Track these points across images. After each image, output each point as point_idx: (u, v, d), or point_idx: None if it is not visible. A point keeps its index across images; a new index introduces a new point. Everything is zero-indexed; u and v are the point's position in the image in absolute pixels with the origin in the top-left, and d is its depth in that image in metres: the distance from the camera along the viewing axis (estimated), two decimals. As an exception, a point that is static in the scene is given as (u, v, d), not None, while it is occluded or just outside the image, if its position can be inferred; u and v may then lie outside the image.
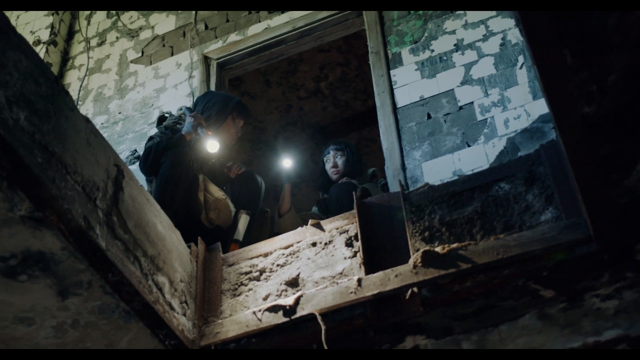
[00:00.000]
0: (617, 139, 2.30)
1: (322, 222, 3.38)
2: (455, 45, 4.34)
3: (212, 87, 5.08)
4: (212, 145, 4.07)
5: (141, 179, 4.02)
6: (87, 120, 2.70)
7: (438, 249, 2.91)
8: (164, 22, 5.80)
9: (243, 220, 3.96)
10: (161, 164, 3.92)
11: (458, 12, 4.49)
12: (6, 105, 2.17)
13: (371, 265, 3.08)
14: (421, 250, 2.92)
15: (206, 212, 3.94)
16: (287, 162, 4.62)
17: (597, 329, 2.83)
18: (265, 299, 3.21)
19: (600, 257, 2.73)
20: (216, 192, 4.02)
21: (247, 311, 3.16)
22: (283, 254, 3.34)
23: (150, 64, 5.54)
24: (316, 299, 3.02)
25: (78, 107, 5.07)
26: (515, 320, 2.92)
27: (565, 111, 2.23)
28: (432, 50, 4.40)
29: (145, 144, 4.21)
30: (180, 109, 4.56)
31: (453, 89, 4.14)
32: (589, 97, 2.17)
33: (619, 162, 2.36)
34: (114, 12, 6.10)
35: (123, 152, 4.92)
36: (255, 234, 4.10)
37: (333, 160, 4.72)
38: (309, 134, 7.99)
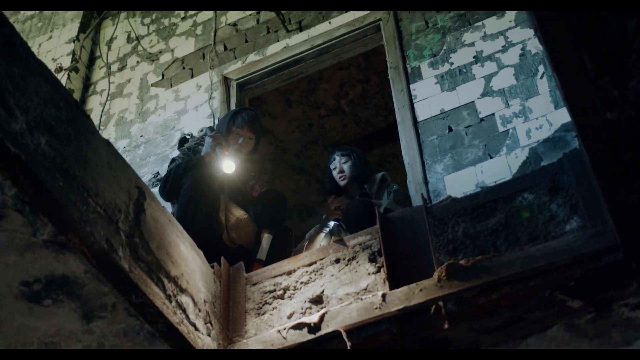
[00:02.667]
0: (639, 145, 2.27)
1: (345, 238, 3.36)
2: (474, 57, 4.33)
3: (233, 108, 5.09)
4: (227, 165, 4.04)
5: (163, 200, 4.04)
6: (107, 143, 2.72)
7: (462, 262, 2.88)
8: (184, 44, 5.85)
9: (266, 240, 3.95)
10: (181, 187, 3.92)
11: (476, 24, 4.48)
12: (27, 130, 2.19)
13: (395, 280, 3.05)
14: (445, 264, 2.89)
15: (228, 232, 3.93)
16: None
17: (627, 339, 2.78)
18: (289, 317, 3.19)
19: (627, 266, 2.68)
20: (237, 211, 4.01)
21: (272, 330, 3.14)
22: (307, 272, 3.33)
23: (171, 87, 5.58)
24: (341, 315, 3.00)
25: (100, 131, 5.12)
26: (543, 332, 2.88)
27: (587, 118, 2.21)
28: (452, 63, 4.38)
29: (168, 167, 4.22)
30: (202, 130, 4.57)
31: (473, 101, 4.12)
32: (610, 103, 2.14)
33: (643, 169, 2.33)
34: (134, 36, 6.16)
35: (145, 175, 4.95)
36: (279, 253, 4.09)
37: (339, 166, 4.69)
38: (331, 153, 7.97)
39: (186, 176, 3.95)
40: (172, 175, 4.01)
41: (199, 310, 3.02)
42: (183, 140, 4.58)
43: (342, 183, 4.66)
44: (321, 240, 4.44)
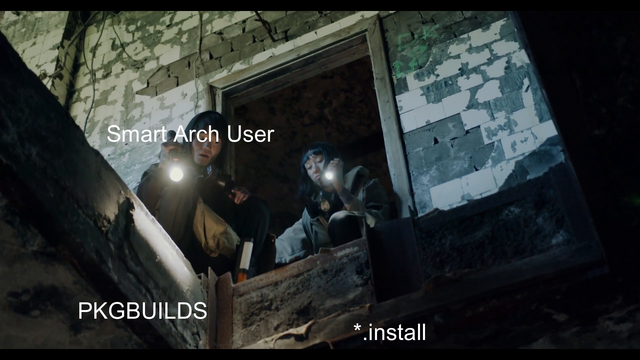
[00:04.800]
0: (626, 161, 2.30)
1: (332, 250, 3.37)
2: (460, 69, 4.36)
3: (218, 116, 5.09)
4: (175, 173, 3.89)
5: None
6: (97, 153, 2.71)
7: (449, 275, 2.90)
8: (169, 52, 5.84)
9: (247, 249, 3.91)
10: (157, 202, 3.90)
11: (462, 36, 4.52)
12: (18, 141, 2.18)
13: (382, 292, 3.06)
14: (432, 277, 2.91)
15: (207, 241, 3.90)
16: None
17: (612, 352, 2.81)
18: (276, 328, 3.19)
19: (613, 280, 2.70)
20: (215, 220, 3.98)
21: (259, 341, 3.14)
22: (294, 283, 3.33)
23: (156, 95, 5.56)
24: (328, 327, 3.00)
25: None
26: (529, 344, 2.90)
27: (575, 134, 2.24)
28: (437, 75, 4.42)
29: (140, 180, 4.18)
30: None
31: (459, 113, 4.16)
32: (598, 120, 2.17)
33: (629, 184, 2.36)
34: (118, 43, 6.15)
35: (130, 183, 4.93)
36: (262, 260, 4.08)
37: (314, 165, 4.62)
38: (304, 151, 7.98)
39: (162, 190, 3.93)
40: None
41: (187, 322, 3.02)
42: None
43: (319, 183, 4.58)
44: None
